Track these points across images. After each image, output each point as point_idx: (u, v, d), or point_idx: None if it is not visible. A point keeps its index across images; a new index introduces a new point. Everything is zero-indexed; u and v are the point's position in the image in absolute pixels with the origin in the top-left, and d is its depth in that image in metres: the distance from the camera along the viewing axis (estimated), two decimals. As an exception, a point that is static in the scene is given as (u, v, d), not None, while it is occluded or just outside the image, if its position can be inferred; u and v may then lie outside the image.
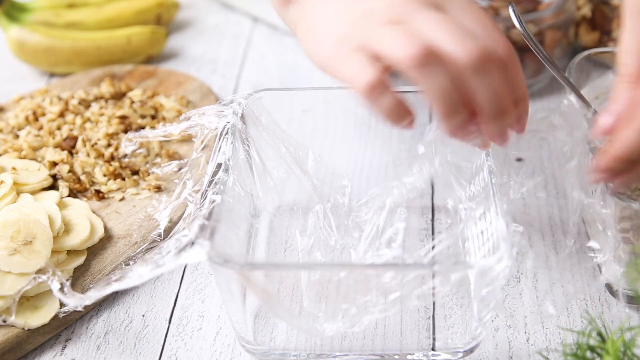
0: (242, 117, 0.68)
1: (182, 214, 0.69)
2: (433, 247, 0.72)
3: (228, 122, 0.67)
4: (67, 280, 0.61)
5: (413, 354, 0.63)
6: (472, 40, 0.52)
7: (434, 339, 0.64)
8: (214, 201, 0.60)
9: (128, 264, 0.69)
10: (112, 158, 0.80)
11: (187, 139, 0.83)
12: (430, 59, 0.51)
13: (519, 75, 0.55)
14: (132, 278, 0.56)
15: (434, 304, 0.67)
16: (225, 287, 0.61)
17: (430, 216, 0.75)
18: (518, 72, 0.55)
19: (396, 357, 0.63)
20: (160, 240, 0.70)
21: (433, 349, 0.63)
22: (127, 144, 0.72)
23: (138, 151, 0.80)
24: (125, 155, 0.79)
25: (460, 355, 0.62)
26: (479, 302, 0.58)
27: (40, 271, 0.65)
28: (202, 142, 0.70)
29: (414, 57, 0.51)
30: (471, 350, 0.62)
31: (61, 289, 0.59)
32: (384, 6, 0.55)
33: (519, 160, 0.79)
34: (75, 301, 0.58)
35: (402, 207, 0.72)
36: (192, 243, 0.56)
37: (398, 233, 0.72)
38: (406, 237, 0.72)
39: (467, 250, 0.68)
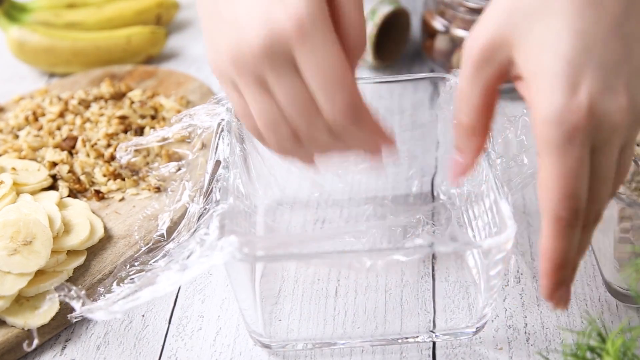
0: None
1: (183, 214, 0.69)
2: (434, 231, 0.72)
3: (222, 120, 0.67)
4: (82, 291, 0.58)
5: (417, 336, 0.63)
6: (305, 118, 0.56)
7: (433, 323, 0.65)
8: (223, 200, 0.59)
9: (133, 265, 0.69)
10: (112, 158, 0.80)
11: (186, 139, 0.83)
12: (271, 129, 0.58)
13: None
14: (162, 284, 0.55)
15: (433, 288, 0.67)
16: (237, 280, 0.60)
17: (430, 207, 0.75)
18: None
19: (400, 341, 0.63)
20: (164, 240, 0.70)
21: (432, 331, 0.64)
22: (123, 155, 0.72)
23: (133, 160, 0.79)
24: (121, 167, 0.79)
25: (472, 333, 0.63)
26: (485, 281, 0.59)
27: (56, 290, 0.64)
28: (199, 142, 0.70)
29: (257, 132, 0.59)
30: (481, 328, 0.63)
31: (83, 305, 0.57)
32: (256, 52, 0.56)
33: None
34: (104, 314, 0.55)
35: (402, 199, 0.72)
36: (217, 241, 0.55)
37: (398, 224, 0.73)
38: (406, 229, 0.72)
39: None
